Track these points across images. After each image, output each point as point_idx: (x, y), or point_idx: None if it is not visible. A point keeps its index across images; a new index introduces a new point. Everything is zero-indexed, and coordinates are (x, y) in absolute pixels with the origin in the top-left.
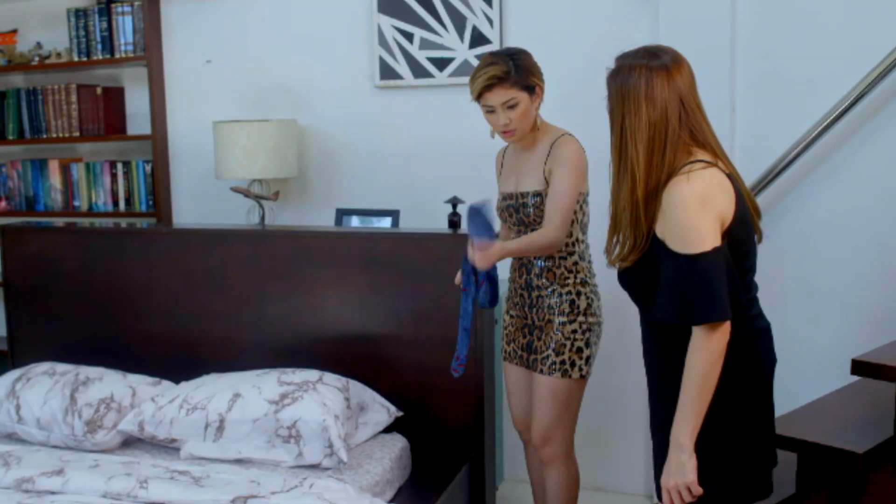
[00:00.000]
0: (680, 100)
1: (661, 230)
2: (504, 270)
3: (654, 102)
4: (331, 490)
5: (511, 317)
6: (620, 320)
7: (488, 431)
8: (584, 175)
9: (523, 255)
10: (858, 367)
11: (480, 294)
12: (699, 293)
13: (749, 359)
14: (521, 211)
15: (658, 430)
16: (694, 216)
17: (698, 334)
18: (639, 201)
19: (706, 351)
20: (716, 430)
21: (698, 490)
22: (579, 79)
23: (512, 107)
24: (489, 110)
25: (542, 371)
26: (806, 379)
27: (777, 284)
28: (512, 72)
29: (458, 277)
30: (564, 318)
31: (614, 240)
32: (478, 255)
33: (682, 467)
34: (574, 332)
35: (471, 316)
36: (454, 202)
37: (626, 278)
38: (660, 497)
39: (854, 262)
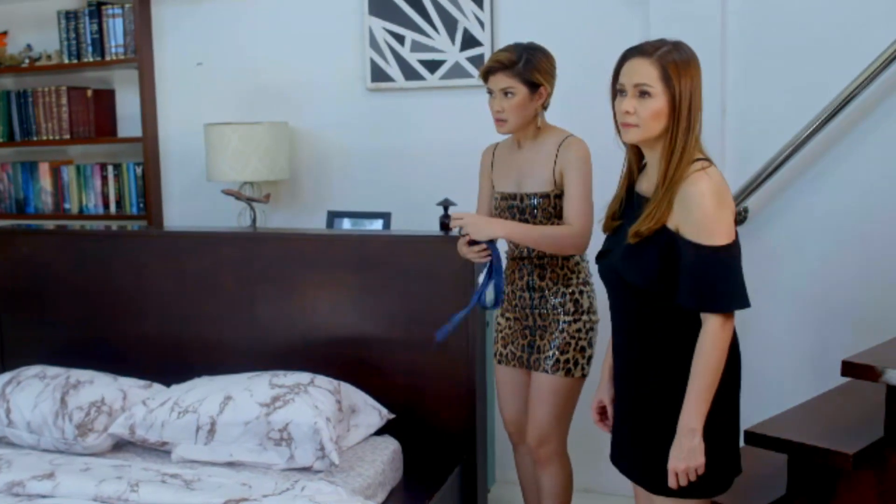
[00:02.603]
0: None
1: (676, 222)
2: None
3: (702, 92)
4: (322, 493)
5: (507, 319)
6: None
7: (480, 433)
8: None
9: (530, 243)
10: (849, 368)
11: (483, 294)
12: (724, 282)
13: (733, 345)
14: (527, 212)
15: (640, 416)
16: (716, 210)
17: (714, 322)
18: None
19: (722, 338)
20: (712, 415)
21: (702, 472)
22: (571, 79)
23: (508, 95)
24: (490, 93)
25: (544, 370)
26: (796, 380)
27: (768, 285)
28: (519, 63)
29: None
30: (570, 318)
31: (655, 211)
32: (474, 224)
33: (694, 451)
34: (578, 330)
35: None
36: (445, 204)
37: (635, 257)
38: (638, 480)
39: (845, 263)
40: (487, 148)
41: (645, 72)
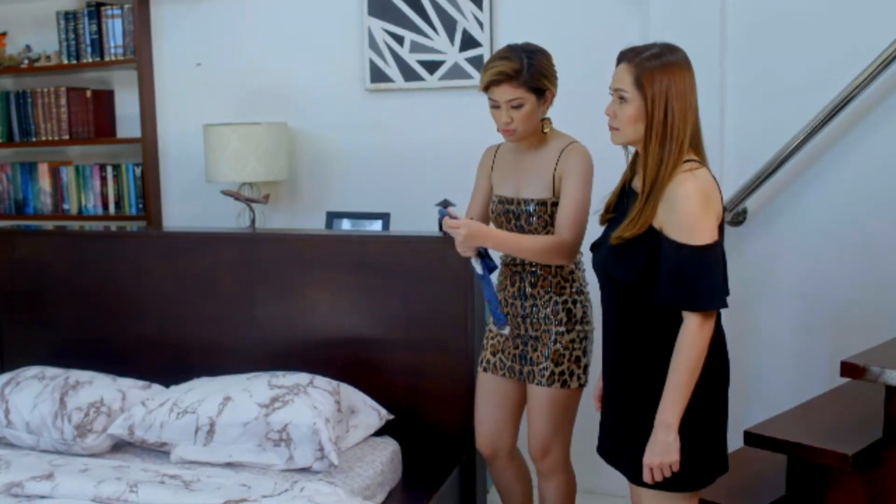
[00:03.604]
0: (695, 94)
1: (661, 221)
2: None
3: (692, 95)
4: (321, 493)
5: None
6: None
7: None
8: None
9: (517, 252)
10: (848, 368)
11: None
12: (702, 281)
13: (717, 343)
14: (523, 218)
15: (623, 409)
16: (699, 210)
17: (694, 321)
18: (672, 173)
19: (700, 336)
20: (694, 411)
21: (677, 468)
22: (571, 80)
23: (517, 107)
24: (494, 105)
25: (539, 382)
26: (796, 380)
27: (767, 285)
28: (523, 71)
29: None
30: (562, 328)
31: (637, 216)
32: (461, 237)
33: (669, 447)
34: (572, 341)
35: (488, 287)
36: (445, 205)
37: (620, 256)
38: (621, 470)
39: (844, 263)
40: (490, 148)
41: (621, 76)
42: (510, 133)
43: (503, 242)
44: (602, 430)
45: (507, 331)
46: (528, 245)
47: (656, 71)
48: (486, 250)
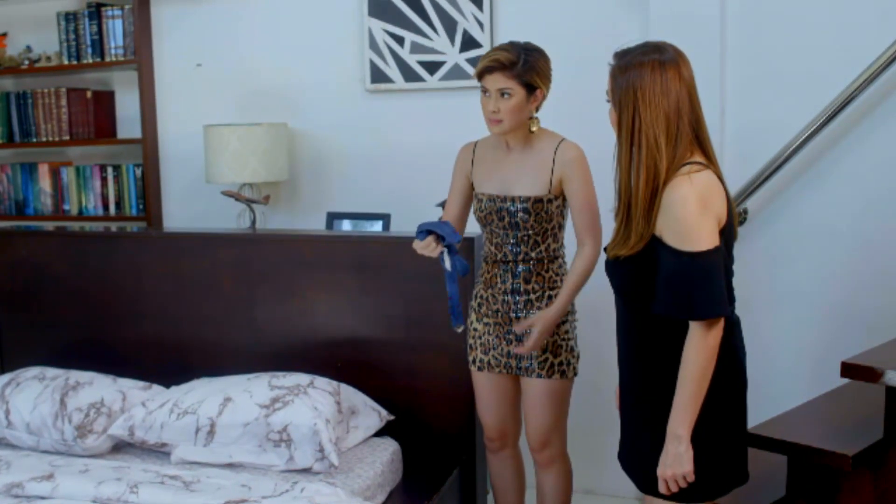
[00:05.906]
0: (688, 93)
1: (660, 227)
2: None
3: (668, 96)
4: (322, 494)
5: (486, 325)
6: (612, 321)
7: (479, 435)
8: None
9: (576, 293)
10: (848, 369)
11: (455, 266)
12: (701, 289)
13: (730, 351)
14: (518, 215)
15: (636, 420)
16: (696, 215)
17: (697, 330)
18: (658, 190)
19: (705, 346)
20: (705, 420)
21: (692, 478)
22: (571, 80)
23: (505, 96)
24: (485, 91)
25: (539, 375)
26: (796, 381)
27: (768, 286)
28: (518, 64)
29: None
30: None
31: (622, 231)
32: (537, 333)
33: (681, 458)
34: (567, 332)
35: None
36: (445, 205)
37: (620, 270)
38: (640, 486)
39: (844, 264)
40: (466, 145)
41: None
42: (496, 123)
43: (565, 303)
44: (620, 436)
45: (460, 330)
46: (576, 281)
47: (617, 72)
48: (455, 248)
